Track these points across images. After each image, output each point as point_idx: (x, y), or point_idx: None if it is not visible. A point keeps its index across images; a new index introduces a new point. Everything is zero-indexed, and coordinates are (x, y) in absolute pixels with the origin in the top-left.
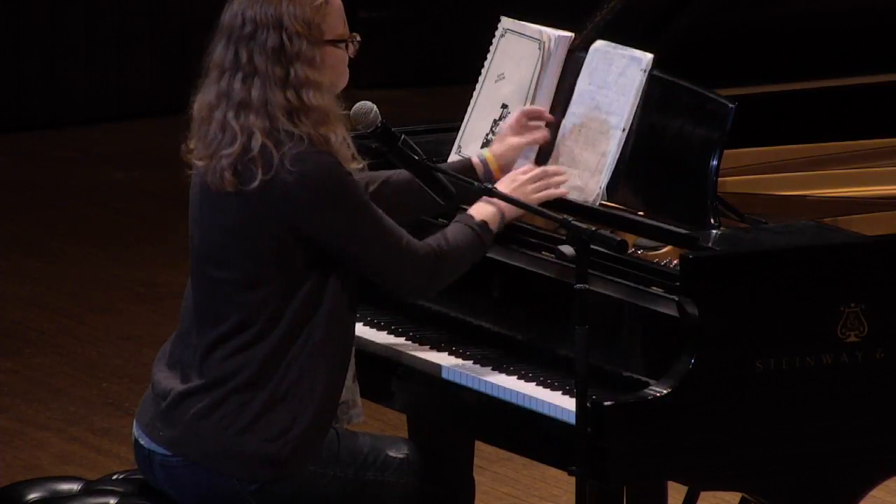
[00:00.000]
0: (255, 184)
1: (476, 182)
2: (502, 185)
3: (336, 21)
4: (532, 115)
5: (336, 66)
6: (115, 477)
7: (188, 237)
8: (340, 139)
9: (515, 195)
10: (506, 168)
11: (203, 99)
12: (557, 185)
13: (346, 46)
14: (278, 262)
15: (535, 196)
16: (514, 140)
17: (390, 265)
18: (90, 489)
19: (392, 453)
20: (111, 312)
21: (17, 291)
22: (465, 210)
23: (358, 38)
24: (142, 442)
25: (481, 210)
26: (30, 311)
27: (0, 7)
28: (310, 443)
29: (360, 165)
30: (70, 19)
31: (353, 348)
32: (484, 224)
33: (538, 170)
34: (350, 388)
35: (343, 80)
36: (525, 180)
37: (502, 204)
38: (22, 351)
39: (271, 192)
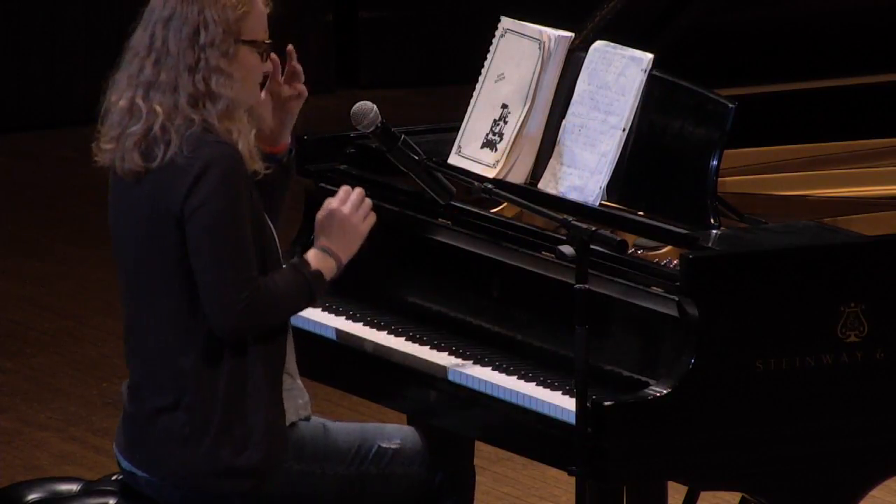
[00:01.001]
0: (156, 164)
1: (476, 182)
2: (326, 222)
3: (256, 25)
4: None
5: (248, 69)
6: (114, 477)
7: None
8: (243, 137)
9: (346, 228)
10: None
11: (115, 82)
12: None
13: (262, 55)
14: (183, 265)
15: (364, 226)
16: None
17: (219, 284)
18: (90, 489)
19: (384, 444)
20: (111, 312)
21: (18, 291)
22: (302, 256)
23: (270, 52)
24: (123, 465)
25: (318, 260)
26: (30, 311)
27: (0, 7)
28: (276, 441)
29: (263, 170)
30: (70, 19)
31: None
32: (319, 275)
33: (354, 194)
34: (301, 387)
35: (254, 91)
36: (349, 212)
37: (340, 255)
38: (22, 351)
39: (165, 176)
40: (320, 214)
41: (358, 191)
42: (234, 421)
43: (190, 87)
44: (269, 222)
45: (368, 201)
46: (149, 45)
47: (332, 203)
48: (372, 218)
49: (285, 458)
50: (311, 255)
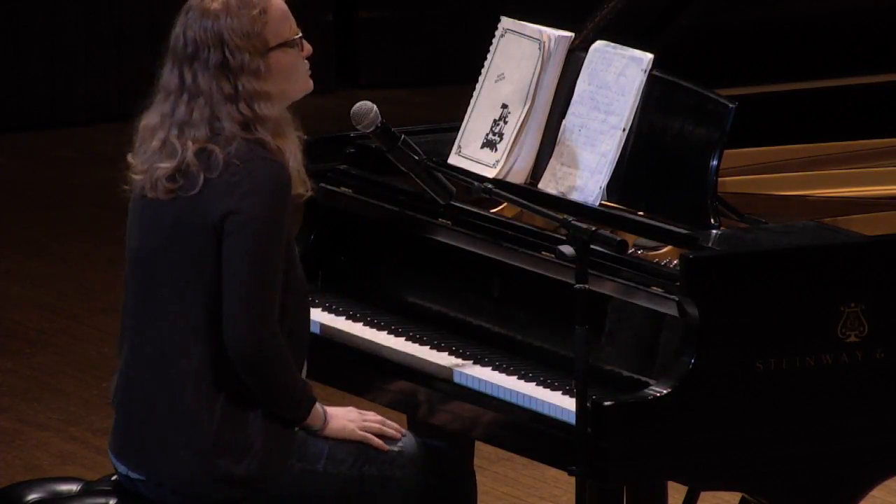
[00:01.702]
0: (198, 187)
1: (476, 182)
2: (340, 412)
3: (279, 26)
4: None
5: (288, 71)
6: (114, 477)
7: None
8: (293, 156)
9: (342, 421)
10: (333, 423)
11: (148, 121)
12: (381, 433)
13: (300, 46)
14: (205, 271)
15: (359, 432)
16: (352, 418)
17: (242, 305)
18: (90, 489)
19: (386, 447)
20: (111, 312)
21: (17, 291)
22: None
23: (301, 37)
24: (120, 470)
25: (318, 407)
26: (30, 311)
27: (0, 7)
28: (276, 450)
29: (307, 193)
30: (70, 19)
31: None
32: (309, 406)
33: (378, 418)
34: None
35: (299, 84)
36: (359, 416)
37: (328, 423)
38: (22, 351)
39: (216, 187)
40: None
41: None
42: (234, 428)
43: (236, 115)
44: (295, 250)
45: (382, 429)
46: (179, 86)
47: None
48: (369, 437)
49: (286, 466)
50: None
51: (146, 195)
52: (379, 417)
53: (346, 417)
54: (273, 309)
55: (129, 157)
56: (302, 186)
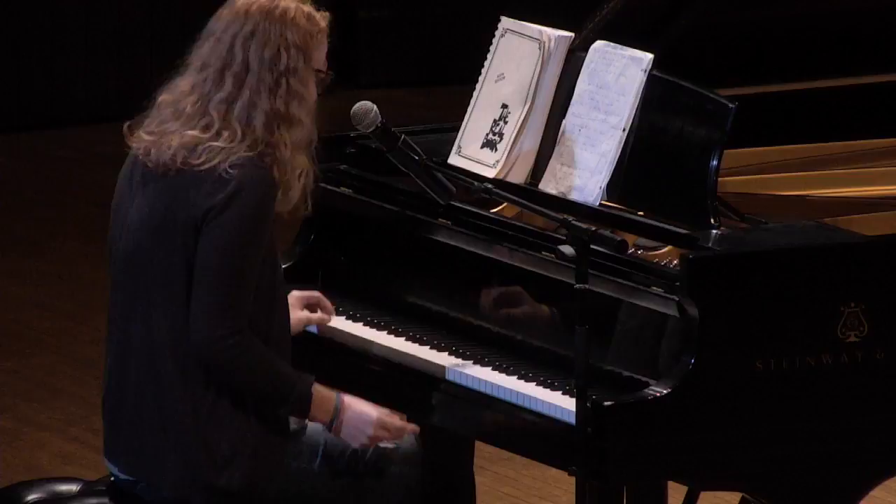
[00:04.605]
0: (192, 166)
1: (476, 182)
2: (356, 408)
3: (321, 54)
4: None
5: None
6: (113, 478)
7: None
8: (304, 173)
9: (357, 430)
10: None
11: (175, 86)
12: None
13: (319, 86)
14: (186, 270)
15: (365, 441)
16: (302, 314)
17: (210, 309)
18: (90, 489)
19: (382, 444)
20: None
21: (17, 291)
22: (314, 381)
23: (329, 75)
24: (113, 471)
25: (323, 398)
26: (30, 311)
27: (0, 7)
28: (263, 464)
29: (306, 211)
30: (70, 19)
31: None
32: (306, 398)
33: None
34: None
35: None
36: (376, 425)
37: (338, 426)
38: (22, 351)
39: (204, 185)
40: (373, 412)
41: (412, 428)
42: (221, 432)
43: (269, 109)
44: (280, 262)
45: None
46: (224, 58)
47: (378, 416)
48: (372, 441)
49: (273, 481)
50: (323, 391)
51: (141, 166)
52: (397, 425)
53: (360, 429)
54: (237, 307)
55: (125, 128)
56: (302, 203)
